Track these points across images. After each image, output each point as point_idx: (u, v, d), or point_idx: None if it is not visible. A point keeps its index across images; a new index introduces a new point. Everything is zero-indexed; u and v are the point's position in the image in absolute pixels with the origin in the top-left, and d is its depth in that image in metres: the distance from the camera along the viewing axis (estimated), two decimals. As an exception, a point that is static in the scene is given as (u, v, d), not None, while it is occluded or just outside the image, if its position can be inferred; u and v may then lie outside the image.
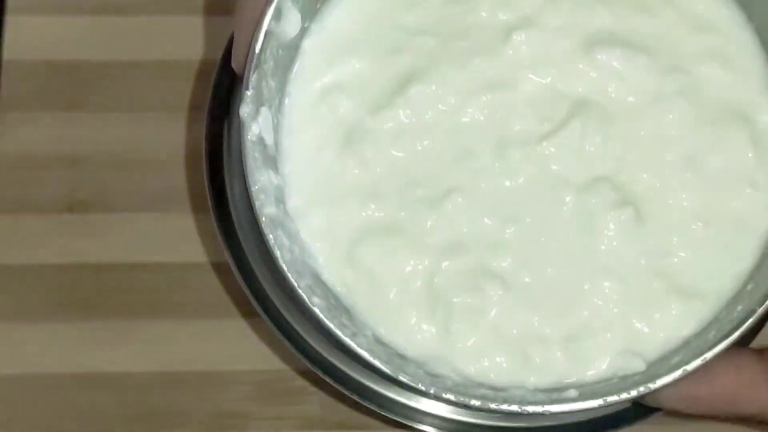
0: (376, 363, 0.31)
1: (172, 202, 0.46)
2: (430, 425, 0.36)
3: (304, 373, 0.44)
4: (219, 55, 0.40)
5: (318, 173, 0.34)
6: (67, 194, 0.46)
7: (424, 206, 0.34)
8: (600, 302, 0.33)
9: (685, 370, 0.31)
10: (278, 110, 0.34)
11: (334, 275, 0.33)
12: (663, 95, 0.35)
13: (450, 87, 0.35)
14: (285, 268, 0.31)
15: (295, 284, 0.31)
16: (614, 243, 0.34)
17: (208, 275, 0.45)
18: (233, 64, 0.34)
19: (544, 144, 0.34)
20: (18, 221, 0.46)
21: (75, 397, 0.43)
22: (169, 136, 0.47)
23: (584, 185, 0.34)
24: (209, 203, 0.38)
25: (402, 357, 0.32)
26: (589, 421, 0.36)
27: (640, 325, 0.33)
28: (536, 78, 0.35)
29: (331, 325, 0.31)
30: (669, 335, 0.33)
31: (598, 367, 0.33)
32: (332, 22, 0.36)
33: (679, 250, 0.34)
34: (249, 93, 0.32)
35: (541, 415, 0.30)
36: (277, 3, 0.33)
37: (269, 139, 0.33)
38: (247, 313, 0.45)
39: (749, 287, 0.33)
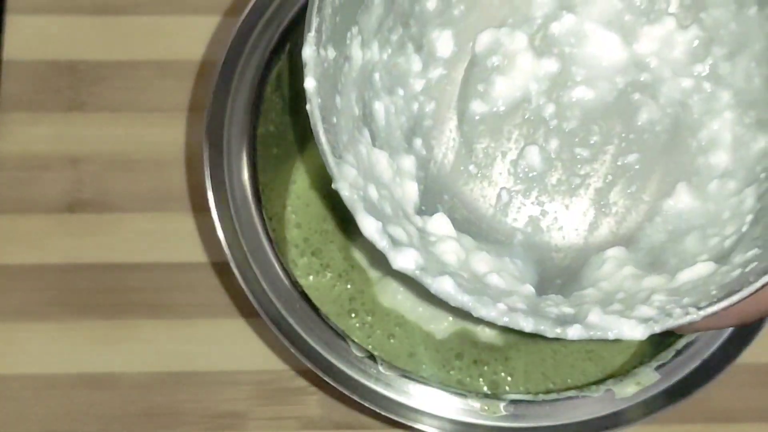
0: None
1: (172, 202, 0.46)
2: (430, 425, 0.36)
3: (304, 373, 0.44)
4: (219, 55, 0.40)
5: None
6: (68, 194, 0.46)
7: None
8: None
9: None
10: None
11: None
12: None
13: None
14: None
15: None
16: None
17: (208, 275, 0.45)
18: None
19: None
20: (18, 221, 0.46)
21: (75, 397, 0.43)
22: (169, 136, 0.47)
23: None
24: (209, 203, 0.38)
25: None
26: (589, 421, 0.36)
27: None
28: None
29: None
30: None
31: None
32: None
33: None
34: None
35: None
36: None
37: None
38: (247, 313, 0.45)
39: None
